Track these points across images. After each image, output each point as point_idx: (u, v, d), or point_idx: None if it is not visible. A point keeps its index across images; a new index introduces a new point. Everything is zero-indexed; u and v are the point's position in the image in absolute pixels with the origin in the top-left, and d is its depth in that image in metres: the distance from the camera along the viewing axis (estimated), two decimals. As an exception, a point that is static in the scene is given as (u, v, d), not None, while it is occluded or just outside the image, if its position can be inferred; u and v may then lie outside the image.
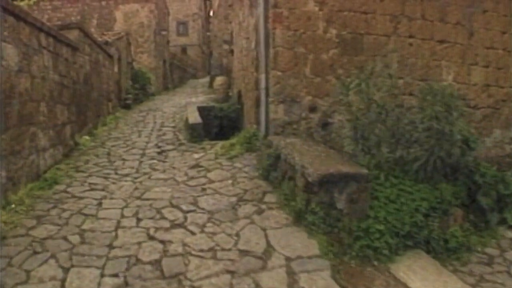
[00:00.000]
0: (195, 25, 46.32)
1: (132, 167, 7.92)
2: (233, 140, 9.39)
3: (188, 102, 18.97)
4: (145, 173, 7.48)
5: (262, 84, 7.31)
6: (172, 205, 5.79)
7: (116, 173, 7.55)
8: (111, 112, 14.64)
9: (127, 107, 17.19)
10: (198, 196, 6.10)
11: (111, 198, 6.21)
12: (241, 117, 13.23)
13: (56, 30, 7.96)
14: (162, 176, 7.27)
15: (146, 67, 23.89)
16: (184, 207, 5.66)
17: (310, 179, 4.90)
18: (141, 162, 8.33)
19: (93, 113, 11.39)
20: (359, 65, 7.51)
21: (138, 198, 6.18)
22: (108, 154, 8.98)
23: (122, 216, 5.52)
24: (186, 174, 7.27)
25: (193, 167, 7.73)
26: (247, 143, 8.66)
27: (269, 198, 5.91)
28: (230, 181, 6.69)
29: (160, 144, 9.99)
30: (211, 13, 48.45)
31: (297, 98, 7.07)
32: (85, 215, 5.58)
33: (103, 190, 6.62)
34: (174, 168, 7.75)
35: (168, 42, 32.50)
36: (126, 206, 5.85)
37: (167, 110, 16.54)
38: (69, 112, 8.80)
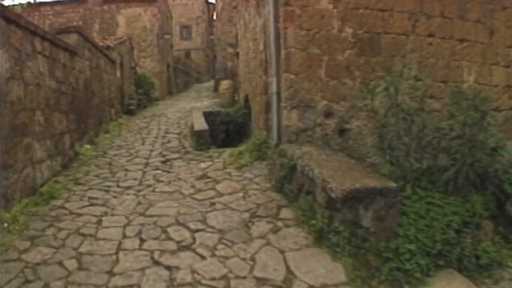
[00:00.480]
0: (199, 29, 45.97)
1: (135, 179, 7.41)
2: (242, 147, 8.89)
3: (193, 107, 18.51)
4: (148, 185, 6.98)
5: (273, 88, 6.80)
6: (179, 223, 5.26)
7: (118, 186, 7.05)
8: (114, 118, 14.17)
9: (130, 113, 16.73)
10: (207, 211, 5.58)
11: (112, 215, 5.69)
12: (248, 122, 12.73)
13: (52, 34, 7.49)
14: (167, 188, 6.76)
15: (149, 72, 23.47)
16: (191, 225, 5.13)
17: (333, 195, 4.38)
18: (144, 172, 7.83)
19: (95, 121, 10.91)
20: (377, 66, 7.02)
21: (141, 214, 5.66)
22: (110, 164, 8.48)
23: (124, 236, 5.01)
24: (193, 186, 6.76)
25: (200, 178, 7.22)
26: (256, 150, 8.15)
27: (285, 213, 5.39)
28: (241, 194, 6.18)
29: (164, 152, 9.49)
30: (214, 17, 48.13)
31: (311, 103, 6.55)
32: (83, 235, 5.06)
33: (103, 205, 6.11)
34: (179, 179, 7.24)
35: (171, 46, 32.07)
36: (128, 224, 5.34)
37: (172, 116, 16.07)
38: (68, 120, 8.31)
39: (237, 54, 16.04)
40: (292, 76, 6.42)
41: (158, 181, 7.23)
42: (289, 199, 5.76)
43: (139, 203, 6.14)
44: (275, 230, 4.92)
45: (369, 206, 4.46)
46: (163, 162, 8.62)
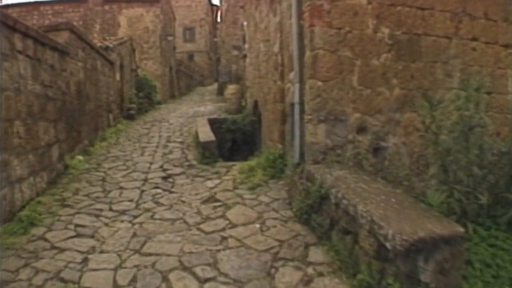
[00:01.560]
0: (202, 31, 45.12)
1: (131, 200, 6.37)
2: (253, 162, 7.86)
3: (196, 112, 17.55)
4: (146, 210, 5.93)
5: (295, 97, 5.75)
6: (183, 267, 4.19)
7: (111, 209, 6.01)
8: (112, 124, 13.15)
9: (130, 117, 15.75)
10: (218, 250, 4.50)
11: (101, 252, 4.63)
12: (257, 131, 11.70)
13: (36, 30, 6.43)
14: (168, 215, 5.71)
15: (151, 74, 22.53)
16: (199, 272, 4.05)
17: (388, 245, 3.32)
18: (142, 192, 6.79)
19: (89, 128, 9.86)
20: (417, 74, 5.98)
21: (137, 251, 4.60)
22: (103, 180, 7.43)
23: (115, 283, 3.94)
24: (199, 212, 5.70)
25: (207, 200, 6.18)
26: (271, 167, 7.14)
27: (315, 255, 4.32)
28: (257, 225, 5.12)
29: (165, 166, 8.44)
30: (218, 19, 47.17)
31: (342, 116, 5.49)
32: (64, 281, 4.00)
33: (92, 236, 5.06)
34: (183, 201, 6.19)
35: (174, 48, 31.08)
36: (120, 266, 4.27)
37: (174, 121, 15.08)
38: (57, 130, 7.28)
39: (244, 57, 15.00)
40: (320, 83, 5.35)
41: (158, 204, 6.18)
42: (318, 235, 4.70)
43: (135, 234, 5.08)
44: (306, 281, 3.84)
45: (430, 256, 3.39)
46: (164, 178, 7.57)
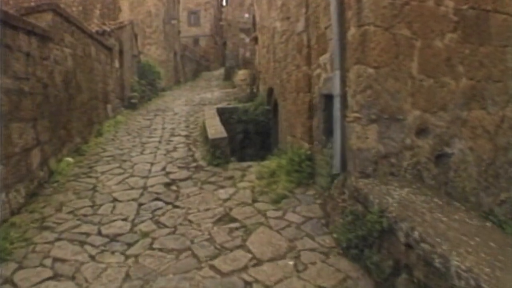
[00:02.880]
0: (207, 15, 43.64)
1: (125, 219, 5.11)
2: (272, 163, 6.61)
3: (202, 99, 16.29)
4: (144, 234, 4.66)
5: (335, 88, 4.43)
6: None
7: (100, 233, 4.76)
8: (111, 116, 11.87)
9: (132, 107, 14.49)
10: (240, 307, 3.24)
11: (81, 305, 3.38)
12: (273, 122, 10.39)
13: (4, 11, 5.11)
14: (171, 242, 4.44)
15: (154, 60, 21.17)
16: None
17: None
18: (139, 206, 5.53)
19: (82, 123, 8.59)
20: (486, 60, 4.64)
21: (129, 307, 3.34)
22: (94, 189, 6.17)
23: None
24: (211, 239, 4.43)
25: (220, 219, 4.91)
26: (296, 171, 5.88)
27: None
28: (290, 262, 3.84)
29: (169, 167, 7.17)
30: (223, 1, 45.59)
31: (398, 114, 4.17)
32: None
33: (72, 278, 3.82)
34: (190, 222, 4.91)
35: (179, 32, 29.65)
36: (103, 333, 3.01)
37: (179, 110, 13.82)
38: (37, 131, 6.01)
39: (255, 39, 13.60)
40: (371, 70, 4.02)
41: (159, 224, 4.91)
42: (375, 280, 3.42)
43: (128, 275, 3.82)
44: None
45: None
46: (167, 185, 6.30)
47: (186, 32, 38.60)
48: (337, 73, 4.35)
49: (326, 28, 5.06)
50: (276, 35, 8.86)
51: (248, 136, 11.50)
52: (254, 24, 14.95)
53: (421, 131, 4.30)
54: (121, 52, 13.97)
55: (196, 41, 42.06)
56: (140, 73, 17.52)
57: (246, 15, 29.53)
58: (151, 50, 23.02)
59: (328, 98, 5.19)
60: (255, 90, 13.59)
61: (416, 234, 2.93)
